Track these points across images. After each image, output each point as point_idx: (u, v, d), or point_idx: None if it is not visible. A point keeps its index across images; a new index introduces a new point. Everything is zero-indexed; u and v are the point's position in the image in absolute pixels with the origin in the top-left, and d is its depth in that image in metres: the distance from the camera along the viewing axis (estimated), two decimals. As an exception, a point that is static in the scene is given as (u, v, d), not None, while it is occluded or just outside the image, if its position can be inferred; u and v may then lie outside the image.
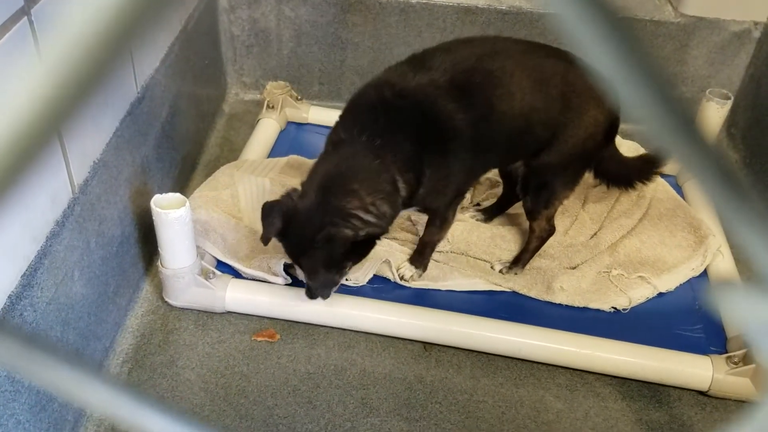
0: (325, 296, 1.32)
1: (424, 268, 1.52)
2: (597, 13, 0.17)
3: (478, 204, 1.75)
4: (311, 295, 1.32)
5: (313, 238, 1.20)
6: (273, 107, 1.99)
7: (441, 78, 1.25)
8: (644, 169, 1.54)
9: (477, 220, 1.69)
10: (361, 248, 1.26)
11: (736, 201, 0.20)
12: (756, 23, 1.97)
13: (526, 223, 1.55)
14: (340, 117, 1.31)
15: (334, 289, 1.34)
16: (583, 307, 1.50)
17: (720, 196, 0.20)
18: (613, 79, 0.18)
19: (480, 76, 1.28)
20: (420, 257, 1.51)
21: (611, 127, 1.41)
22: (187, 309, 1.44)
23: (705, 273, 1.60)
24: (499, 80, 1.29)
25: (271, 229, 1.22)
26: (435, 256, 1.59)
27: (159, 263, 1.39)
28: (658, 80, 0.18)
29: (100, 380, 0.24)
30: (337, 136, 1.28)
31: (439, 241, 1.50)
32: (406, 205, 1.30)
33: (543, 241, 1.54)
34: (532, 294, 1.52)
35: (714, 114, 1.81)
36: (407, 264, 1.52)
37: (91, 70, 0.16)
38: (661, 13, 2.02)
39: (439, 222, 1.43)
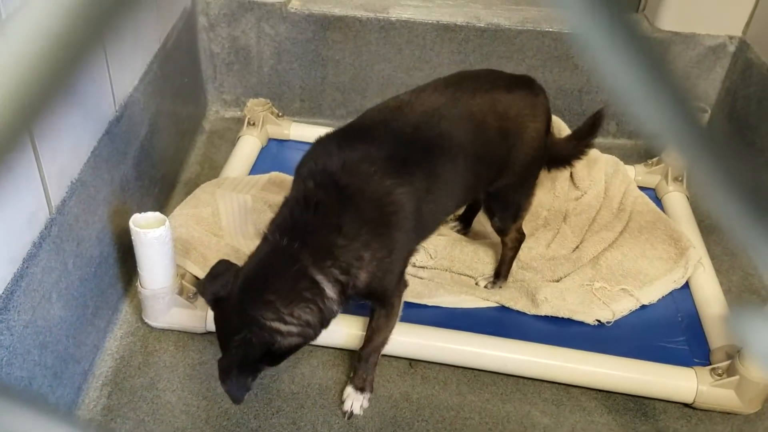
0: (238, 400, 1.16)
1: (371, 387, 1.33)
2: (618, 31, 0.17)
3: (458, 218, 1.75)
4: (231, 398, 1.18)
5: (231, 338, 1.14)
6: (254, 124, 1.98)
7: (378, 153, 1.19)
8: (577, 146, 1.55)
9: (457, 231, 1.69)
10: (280, 354, 1.18)
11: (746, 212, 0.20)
12: (731, 37, 2.00)
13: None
14: (274, 216, 1.24)
15: (247, 393, 1.19)
16: (568, 321, 1.50)
17: (728, 203, 0.20)
18: (631, 96, 0.18)
19: (419, 148, 1.23)
20: (364, 371, 1.32)
21: (547, 125, 1.43)
22: (167, 330, 1.41)
23: (687, 285, 1.61)
24: (438, 148, 1.25)
25: (206, 292, 1.18)
26: (419, 272, 1.58)
27: (138, 284, 1.36)
28: (679, 95, 0.18)
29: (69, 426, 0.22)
30: (269, 231, 1.20)
31: (386, 340, 1.33)
32: (341, 302, 1.18)
33: (517, 250, 1.55)
34: (518, 307, 1.52)
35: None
36: (351, 391, 1.31)
37: (61, 60, 0.16)
38: (637, 29, 2.04)
39: (385, 312, 1.30)
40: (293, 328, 1.14)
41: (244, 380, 1.15)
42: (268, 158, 1.94)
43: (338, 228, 1.15)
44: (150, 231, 1.27)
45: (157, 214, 1.31)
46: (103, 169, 1.34)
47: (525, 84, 1.40)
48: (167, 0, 1.74)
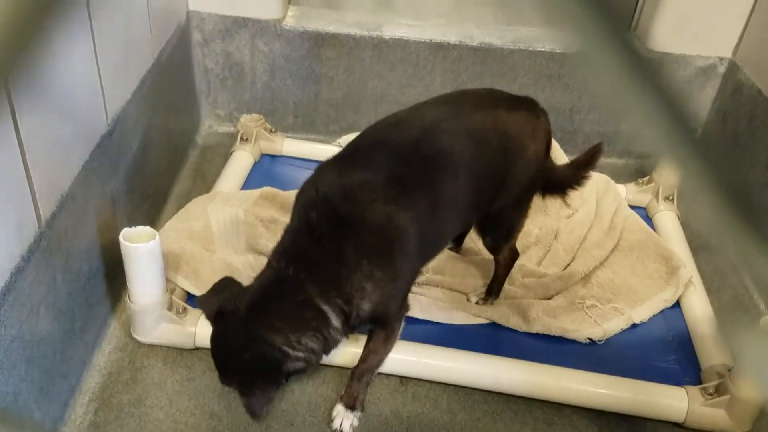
0: (259, 415, 1.20)
1: (362, 406, 1.31)
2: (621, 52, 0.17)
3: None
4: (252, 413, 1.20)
5: (234, 354, 1.17)
6: (247, 139, 1.98)
7: (377, 178, 1.19)
8: (574, 175, 1.54)
9: (449, 248, 1.69)
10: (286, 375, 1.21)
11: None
12: (721, 59, 2.02)
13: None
14: (278, 242, 1.25)
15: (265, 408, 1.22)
16: (559, 339, 1.49)
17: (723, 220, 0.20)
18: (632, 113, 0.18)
19: (420, 166, 1.23)
20: (356, 390, 1.30)
21: (547, 148, 1.43)
22: (156, 345, 1.40)
23: (677, 304, 1.61)
24: (439, 165, 1.24)
25: (208, 305, 1.20)
26: (411, 288, 1.58)
27: (127, 298, 1.35)
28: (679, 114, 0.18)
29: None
30: (274, 259, 1.22)
31: (382, 362, 1.33)
32: (345, 330, 1.21)
33: (510, 267, 1.55)
34: (510, 324, 1.51)
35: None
36: (341, 409, 1.29)
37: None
38: (628, 49, 2.06)
39: (385, 335, 1.30)
40: (300, 354, 1.18)
41: (268, 392, 1.19)
42: (261, 173, 1.94)
43: (341, 259, 1.17)
44: (140, 245, 1.26)
45: (148, 228, 1.30)
46: (94, 182, 1.33)
47: (527, 105, 1.39)
48: (161, 15, 1.75)
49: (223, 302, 1.22)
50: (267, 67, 2.08)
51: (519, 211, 1.47)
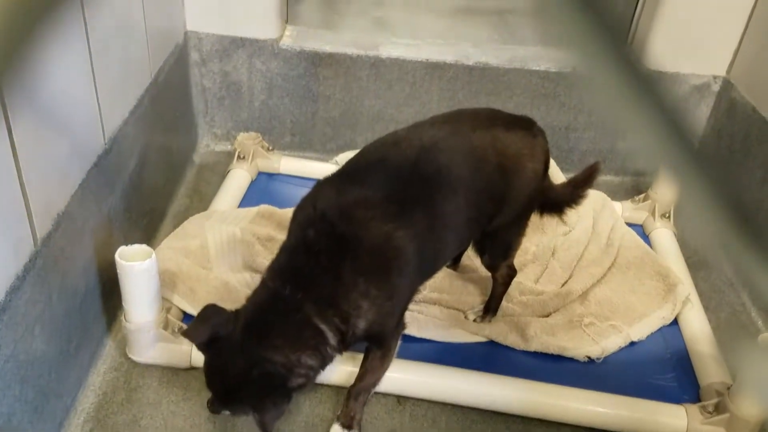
0: (270, 430, 1.17)
1: (359, 426, 1.30)
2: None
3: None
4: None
5: (233, 379, 1.16)
6: (244, 158, 1.99)
7: (376, 195, 1.19)
8: (572, 193, 1.55)
9: (446, 266, 1.69)
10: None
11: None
12: (715, 77, 2.04)
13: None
14: (273, 260, 1.24)
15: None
16: (558, 357, 1.49)
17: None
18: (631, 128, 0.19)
19: (419, 184, 1.23)
20: (352, 409, 1.30)
21: (545, 167, 1.44)
22: (151, 365, 1.39)
23: (675, 321, 1.61)
24: (438, 183, 1.25)
25: (197, 335, 1.18)
26: (408, 305, 1.57)
27: (123, 317, 1.34)
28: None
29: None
30: (270, 277, 1.21)
31: (378, 381, 1.32)
32: (341, 347, 1.20)
33: (507, 285, 1.55)
34: (508, 342, 1.51)
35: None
36: (338, 429, 1.29)
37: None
38: (623, 68, 2.08)
39: (381, 353, 1.29)
40: (301, 371, 1.16)
41: (281, 405, 1.17)
42: (258, 191, 1.95)
43: (339, 277, 1.16)
44: (135, 264, 1.26)
45: (144, 246, 1.30)
46: (90, 201, 1.33)
47: (525, 124, 1.40)
48: (159, 35, 1.76)
49: (213, 329, 1.20)
50: (264, 86, 2.09)
51: (517, 229, 1.47)
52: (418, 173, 1.24)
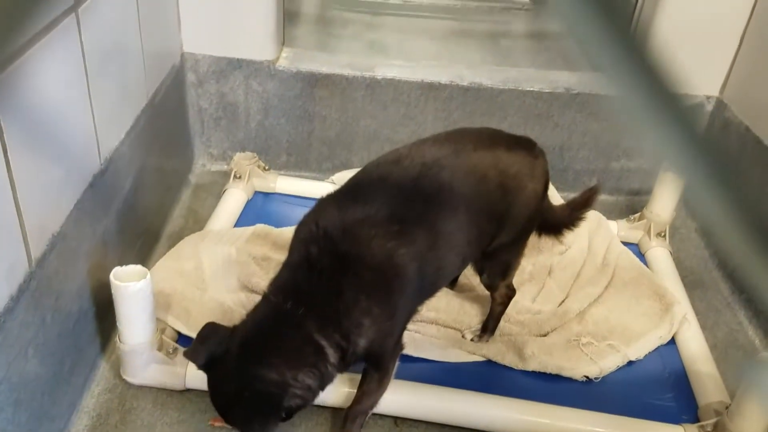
0: None
1: None
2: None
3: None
4: None
5: (231, 398, 1.15)
6: (240, 177, 1.99)
7: (378, 214, 1.19)
8: (571, 216, 1.56)
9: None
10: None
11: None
12: (708, 97, 2.06)
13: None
14: (275, 276, 1.23)
15: None
16: (556, 376, 1.48)
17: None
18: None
19: (420, 202, 1.23)
20: (349, 431, 1.29)
21: (545, 188, 1.45)
22: (146, 387, 1.38)
23: (673, 341, 1.60)
24: (439, 201, 1.25)
25: (197, 357, 1.17)
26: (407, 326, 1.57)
27: (117, 339, 1.33)
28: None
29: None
30: (271, 292, 1.20)
31: (376, 403, 1.31)
32: (341, 366, 1.19)
33: (506, 305, 1.55)
34: (506, 362, 1.50)
35: (673, 184, 1.86)
36: None
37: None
38: (617, 88, 2.10)
39: (379, 376, 1.28)
40: (297, 391, 1.15)
41: (269, 428, 1.15)
42: (254, 211, 1.94)
43: (340, 294, 1.16)
44: (130, 284, 1.25)
45: (139, 267, 1.29)
46: (85, 222, 1.33)
47: (526, 145, 1.42)
48: (156, 57, 1.77)
49: (212, 348, 1.19)
50: (261, 107, 2.10)
51: (516, 249, 1.48)
52: (420, 191, 1.25)
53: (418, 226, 1.23)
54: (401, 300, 1.22)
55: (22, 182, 1.06)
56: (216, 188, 2.05)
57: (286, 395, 1.14)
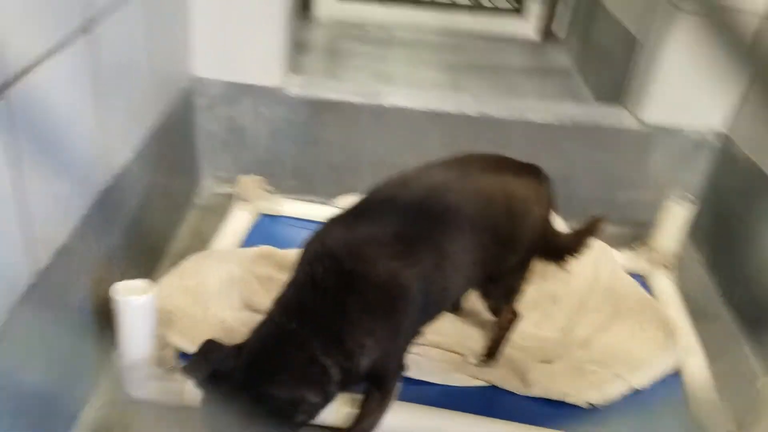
0: None
1: None
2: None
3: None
4: None
5: (247, 412, 1.12)
6: (246, 200, 2.01)
7: (383, 233, 1.20)
8: (575, 242, 1.57)
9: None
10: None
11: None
12: (714, 132, 2.06)
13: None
14: (280, 294, 1.23)
15: None
16: (560, 403, 1.46)
17: None
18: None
19: (427, 223, 1.24)
20: None
21: (550, 213, 1.47)
22: (146, 402, 1.37)
23: (677, 370, 1.59)
24: (446, 222, 1.26)
25: (197, 371, 1.16)
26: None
27: (118, 354, 1.33)
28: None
29: None
30: (276, 312, 1.20)
31: (375, 424, 1.29)
32: (343, 386, 1.18)
33: (510, 330, 1.54)
34: (509, 387, 1.49)
35: (678, 215, 1.87)
36: None
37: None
38: (620, 120, 2.12)
39: (380, 396, 1.27)
40: (304, 407, 1.13)
41: None
42: (259, 233, 1.95)
43: (345, 314, 1.16)
44: (132, 298, 1.26)
45: (141, 281, 1.29)
46: (91, 237, 1.33)
47: (532, 171, 1.45)
48: (165, 80, 1.80)
49: (214, 364, 1.18)
50: (268, 132, 2.12)
51: (521, 273, 1.48)
52: (427, 212, 1.26)
53: (424, 246, 1.23)
54: (405, 320, 1.22)
55: (31, 193, 1.08)
56: (222, 211, 2.06)
57: (297, 413, 1.13)
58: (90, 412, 1.34)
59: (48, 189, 1.16)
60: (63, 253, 1.22)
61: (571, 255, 1.59)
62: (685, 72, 2.01)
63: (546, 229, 1.48)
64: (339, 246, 1.19)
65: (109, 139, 1.41)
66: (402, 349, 1.28)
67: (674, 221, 1.87)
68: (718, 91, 2.02)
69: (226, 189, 2.18)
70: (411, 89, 2.15)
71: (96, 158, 1.37)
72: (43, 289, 1.14)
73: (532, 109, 2.12)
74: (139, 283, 1.29)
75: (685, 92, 2.03)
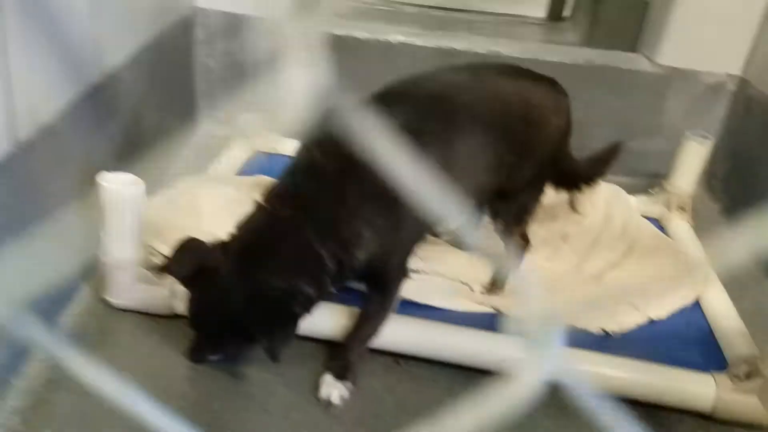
0: (279, 356, 1.05)
1: (354, 378, 1.16)
2: None
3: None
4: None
5: (224, 309, 1.07)
6: (245, 137, 1.92)
7: (389, 122, 1.13)
8: (590, 169, 1.49)
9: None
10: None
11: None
12: (730, 75, 1.99)
13: (500, 243, 1.45)
14: (270, 186, 1.16)
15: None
16: (572, 328, 1.36)
17: None
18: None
19: (437, 119, 1.17)
20: (346, 359, 1.17)
21: (568, 128, 1.39)
22: (129, 311, 1.27)
23: (697, 302, 1.49)
24: (458, 121, 1.19)
25: (179, 268, 1.09)
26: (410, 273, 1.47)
27: (100, 253, 1.23)
28: None
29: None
30: (266, 200, 1.13)
31: (375, 330, 1.20)
32: (339, 279, 1.11)
33: (519, 257, 1.45)
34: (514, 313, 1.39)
35: (696, 152, 1.79)
36: (329, 378, 1.15)
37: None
38: (636, 64, 2.04)
39: (380, 298, 1.20)
40: (301, 299, 1.07)
41: (289, 330, 1.07)
42: (255, 167, 1.86)
43: (342, 201, 1.08)
44: (121, 187, 1.17)
45: (130, 175, 1.20)
46: (79, 127, 1.26)
47: (551, 81, 1.38)
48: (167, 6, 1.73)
49: (198, 260, 1.09)
50: (270, 68, 2.04)
51: (533, 191, 1.41)
52: (438, 109, 1.19)
53: (432, 140, 1.16)
54: (407, 214, 1.13)
55: (13, 64, 1.00)
56: (220, 149, 1.97)
57: (294, 303, 1.06)
58: (67, 318, 1.24)
59: (32, 64, 1.08)
60: (47, 133, 1.13)
61: (587, 183, 1.51)
62: (700, 14, 1.94)
63: (562, 144, 1.40)
64: (341, 131, 1.10)
65: (103, 37, 1.34)
66: (404, 250, 1.19)
67: (692, 160, 1.79)
68: (733, 33, 1.95)
69: (224, 128, 2.10)
70: (420, 29, 2.08)
71: (86, 49, 1.29)
72: (22, 162, 1.06)
73: (545, 49, 2.05)
74: (128, 176, 1.20)
75: (701, 35, 1.96)
